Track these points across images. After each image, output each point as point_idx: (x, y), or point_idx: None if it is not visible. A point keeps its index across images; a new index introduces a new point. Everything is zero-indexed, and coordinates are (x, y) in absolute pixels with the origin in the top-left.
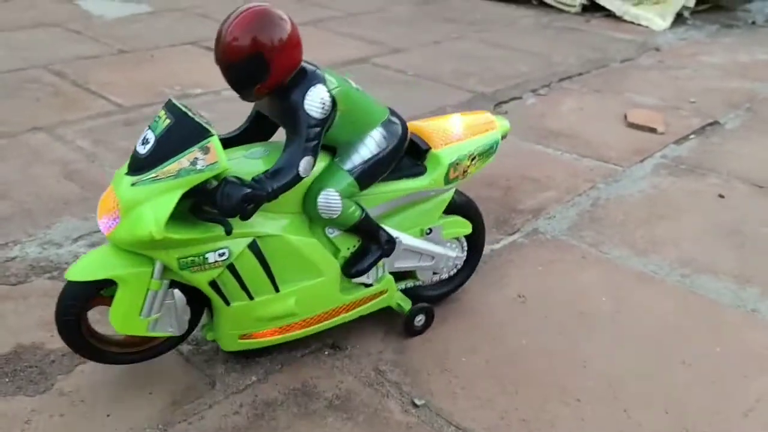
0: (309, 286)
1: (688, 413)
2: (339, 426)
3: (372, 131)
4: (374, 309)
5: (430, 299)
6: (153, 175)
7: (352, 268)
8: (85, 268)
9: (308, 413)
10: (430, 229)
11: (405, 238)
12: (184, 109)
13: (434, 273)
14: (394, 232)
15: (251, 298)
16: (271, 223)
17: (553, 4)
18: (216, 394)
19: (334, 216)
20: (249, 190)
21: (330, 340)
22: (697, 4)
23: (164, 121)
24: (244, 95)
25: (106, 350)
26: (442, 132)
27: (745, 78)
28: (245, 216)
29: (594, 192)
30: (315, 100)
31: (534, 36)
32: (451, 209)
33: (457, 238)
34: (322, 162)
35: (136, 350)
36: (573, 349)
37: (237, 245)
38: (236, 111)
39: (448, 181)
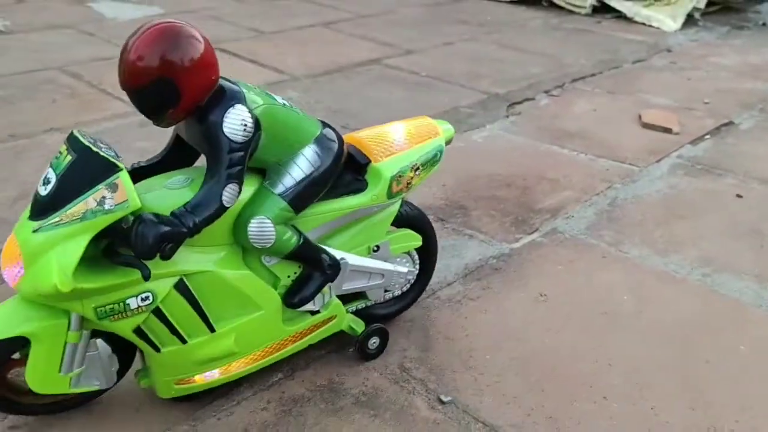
0: (248, 321)
1: (714, 410)
2: (366, 422)
3: (303, 149)
4: (324, 335)
5: (383, 318)
6: (56, 219)
7: (294, 297)
8: None
9: (335, 410)
10: (378, 246)
11: (351, 259)
12: (86, 142)
13: (386, 291)
14: (338, 254)
15: (184, 341)
16: (199, 259)
17: (563, 5)
18: (243, 390)
19: (268, 245)
20: (167, 228)
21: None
22: (708, 5)
23: (65, 158)
24: (156, 121)
25: (20, 401)
26: (382, 143)
27: (758, 79)
28: (165, 256)
29: (611, 192)
30: (235, 122)
31: (545, 37)
32: (400, 222)
33: (408, 252)
34: (250, 187)
35: (53, 401)
36: (597, 347)
37: (162, 287)
38: None
39: (391, 195)
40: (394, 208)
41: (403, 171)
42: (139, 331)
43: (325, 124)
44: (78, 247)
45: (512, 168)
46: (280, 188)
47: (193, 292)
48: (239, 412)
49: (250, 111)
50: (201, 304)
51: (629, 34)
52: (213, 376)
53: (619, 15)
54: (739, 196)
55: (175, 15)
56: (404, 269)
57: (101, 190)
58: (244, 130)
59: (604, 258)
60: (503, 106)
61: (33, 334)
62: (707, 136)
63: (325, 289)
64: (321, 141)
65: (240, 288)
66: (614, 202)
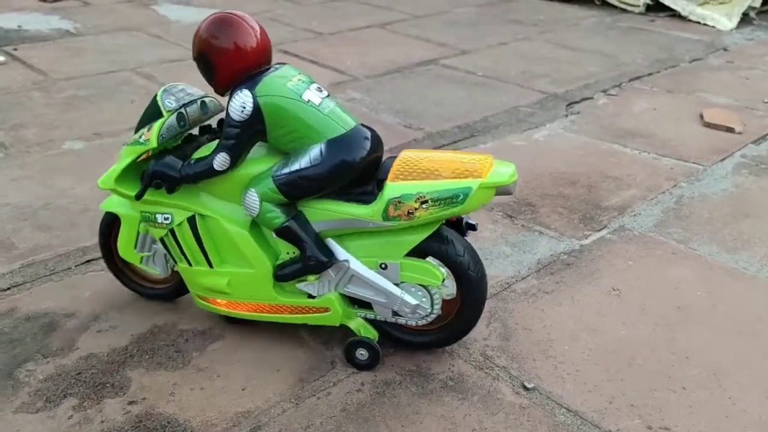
0: (241, 273)
1: None
2: (456, 405)
3: (312, 146)
4: (319, 323)
5: (402, 343)
6: (127, 140)
7: (278, 270)
8: (107, 202)
9: (426, 392)
10: (386, 265)
11: (355, 265)
12: (160, 92)
13: (394, 314)
14: (345, 255)
15: (190, 264)
16: (212, 205)
17: (617, 4)
18: (338, 373)
19: (254, 215)
20: (160, 169)
21: None
22: (763, 4)
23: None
24: (213, 88)
25: (133, 280)
26: (415, 166)
27: None
28: (169, 190)
29: (677, 190)
30: (236, 103)
31: (599, 36)
32: (435, 255)
33: (427, 288)
34: (266, 165)
35: (154, 286)
36: (673, 340)
37: (178, 215)
38: None
39: (386, 217)
40: (416, 235)
41: (405, 198)
42: (162, 242)
43: (360, 135)
44: (122, 162)
45: (576, 166)
46: (277, 172)
47: (199, 229)
48: (336, 393)
49: (254, 97)
50: (203, 241)
51: (684, 33)
52: (221, 305)
53: (674, 13)
54: None
55: None
56: (413, 301)
57: (146, 128)
58: (242, 111)
59: (674, 254)
60: (562, 105)
61: (121, 214)
62: None
63: (326, 280)
64: (333, 144)
65: (236, 242)
66: (680, 201)
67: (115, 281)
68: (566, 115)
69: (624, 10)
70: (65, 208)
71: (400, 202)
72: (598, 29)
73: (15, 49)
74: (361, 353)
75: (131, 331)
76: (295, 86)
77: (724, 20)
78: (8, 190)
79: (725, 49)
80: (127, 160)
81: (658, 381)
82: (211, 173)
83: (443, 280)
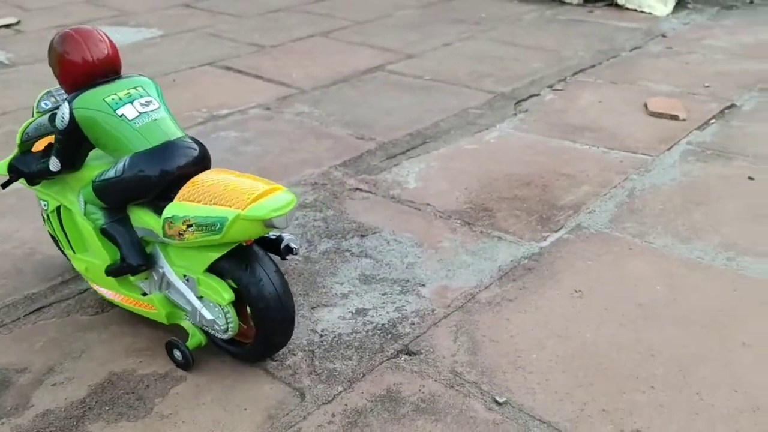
0: (92, 262)
1: (756, 392)
2: (430, 428)
3: (121, 158)
4: (151, 317)
5: (221, 349)
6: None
7: (108, 266)
8: None
9: (398, 418)
10: (189, 278)
11: (169, 273)
12: (42, 93)
13: (202, 324)
14: (162, 262)
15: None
16: (71, 199)
17: None
18: (307, 405)
19: (82, 213)
20: (15, 164)
21: (399, 346)
22: None
23: None
24: None
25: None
26: (199, 186)
27: (753, 59)
28: (28, 182)
29: (628, 183)
30: (59, 113)
31: (541, 31)
32: (231, 277)
33: (222, 308)
34: (100, 169)
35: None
36: (638, 339)
37: (51, 204)
38: (266, 130)
39: (165, 233)
40: (211, 253)
41: (175, 220)
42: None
43: (172, 149)
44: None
45: (528, 167)
46: (96, 178)
47: (61, 218)
48: (307, 427)
49: (71, 110)
50: (65, 228)
51: (623, 22)
52: (93, 287)
53: (610, 3)
54: (750, 178)
55: (173, 35)
56: (209, 315)
57: None
58: (62, 121)
59: (631, 250)
60: (510, 104)
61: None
62: (713, 121)
63: (151, 281)
64: (136, 158)
65: (84, 234)
66: (632, 194)
67: (66, 326)
68: (515, 114)
69: (562, 3)
70: (10, 253)
71: (171, 223)
72: (539, 24)
73: None
74: (177, 354)
75: (88, 381)
76: (113, 101)
77: (660, 6)
78: None
79: (663, 35)
80: (9, 157)
81: (626, 383)
82: (48, 173)
83: (230, 302)
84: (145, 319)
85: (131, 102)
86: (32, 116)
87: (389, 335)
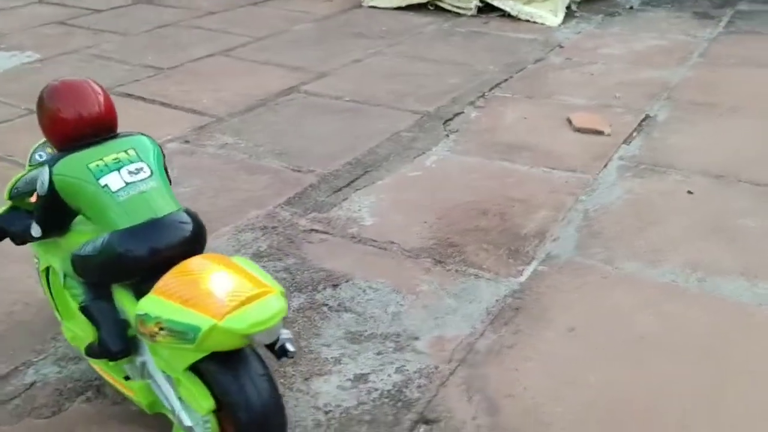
0: (78, 333)
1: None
2: None
3: (102, 234)
4: (134, 402)
5: None
6: None
7: (87, 345)
8: None
9: None
10: (168, 376)
11: (150, 363)
12: (37, 144)
13: (183, 427)
14: (145, 353)
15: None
16: (57, 262)
17: (449, 8)
18: None
19: (61, 284)
20: (3, 225)
21: (414, 415)
22: None
23: None
24: None
25: None
26: (182, 282)
27: (650, 66)
28: (14, 242)
29: (580, 205)
30: (39, 178)
31: (445, 44)
32: (213, 381)
33: (203, 417)
34: (84, 238)
35: None
36: (649, 376)
37: (43, 260)
38: (191, 167)
39: (138, 330)
40: (189, 355)
41: (146, 319)
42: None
43: (156, 229)
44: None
45: (478, 193)
46: (76, 251)
47: (49, 279)
48: None
49: (51, 175)
50: (51, 289)
51: (519, 33)
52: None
53: (503, 14)
54: (689, 192)
55: (54, 58)
56: (187, 421)
57: None
58: (42, 186)
59: (605, 279)
60: (439, 124)
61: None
62: (634, 134)
63: (136, 367)
64: (113, 237)
65: (70, 302)
66: (587, 216)
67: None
68: (447, 135)
69: (457, 14)
70: None
71: (144, 321)
72: (441, 36)
73: None
74: None
75: None
76: (97, 168)
77: (551, 16)
78: None
79: (561, 46)
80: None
81: (658, 424)
82: (29, 237)
83: (211, 411)
84: (117, 418)
85: (119, 169)
86: (25, 169)
87: (399, 403)
